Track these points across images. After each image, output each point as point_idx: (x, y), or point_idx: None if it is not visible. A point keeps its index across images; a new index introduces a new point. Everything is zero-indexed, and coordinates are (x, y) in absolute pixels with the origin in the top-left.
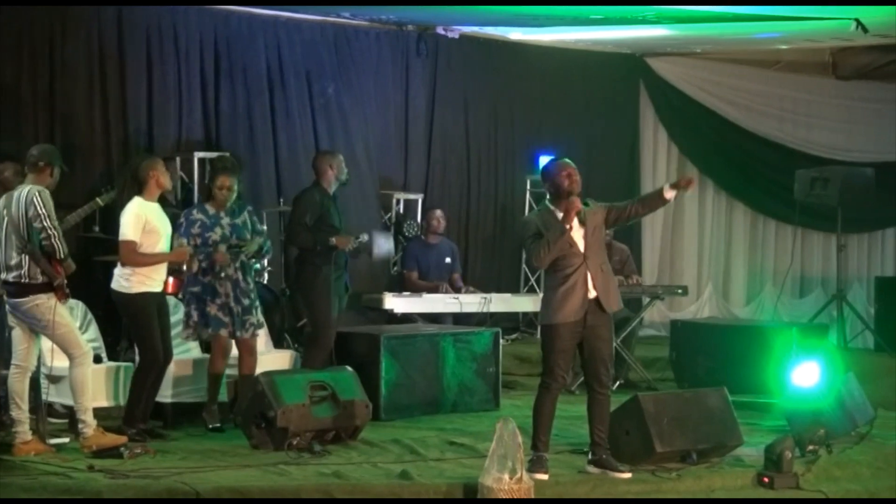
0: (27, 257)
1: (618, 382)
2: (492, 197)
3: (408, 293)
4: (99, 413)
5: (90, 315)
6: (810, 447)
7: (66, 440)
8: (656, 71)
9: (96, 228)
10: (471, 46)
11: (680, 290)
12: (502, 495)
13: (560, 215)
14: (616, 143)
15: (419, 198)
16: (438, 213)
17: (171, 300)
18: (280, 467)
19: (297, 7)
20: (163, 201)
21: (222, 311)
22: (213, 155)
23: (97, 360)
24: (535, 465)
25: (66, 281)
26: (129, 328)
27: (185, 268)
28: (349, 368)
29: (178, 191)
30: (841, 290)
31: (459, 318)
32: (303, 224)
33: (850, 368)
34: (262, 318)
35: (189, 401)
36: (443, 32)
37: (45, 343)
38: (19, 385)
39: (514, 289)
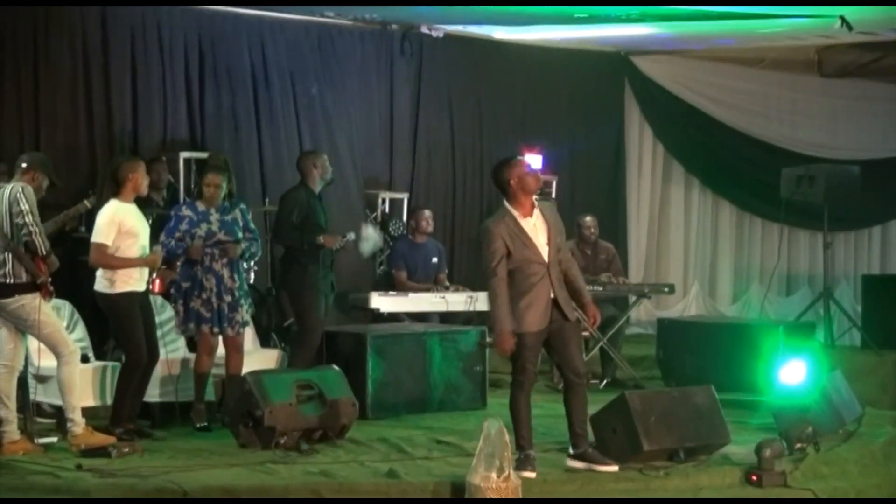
0: (11, 256)
1: (605, 381)
2: (477, 196)
3: (394, 292)
4: (86, 412)
5: (77, 315)
6: (798, 445)
7: (55, 439)
8: (641, 69)
9: (83, 228)
10: (455, 45)
11: (667, 289)
12: (490, 494)
13: (516, 214)
14: (601, 141)
15: (405, 197)
16: (427, 213)
17: (157, 300)
18: (268, 466)
19: (281, 7)
20: (151, 202)
21: (205, 306)
22: (199, 155)
23: (84, 359)
24: (522, 464)
25: (49, 279)
26: (113, 328)
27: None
28: (336, 367)
29: (164, 191)
30: (828, 287)
31: (446, 317)
32: (290, 222)
33: (838, 366)
34: (248, 317)
35: (176, 400)
36: (427, 31)
37: (33, 343)
38: (7, 384)
39: None
